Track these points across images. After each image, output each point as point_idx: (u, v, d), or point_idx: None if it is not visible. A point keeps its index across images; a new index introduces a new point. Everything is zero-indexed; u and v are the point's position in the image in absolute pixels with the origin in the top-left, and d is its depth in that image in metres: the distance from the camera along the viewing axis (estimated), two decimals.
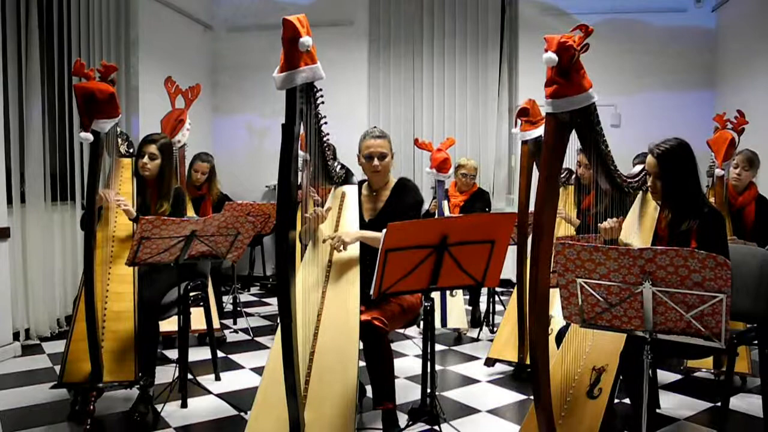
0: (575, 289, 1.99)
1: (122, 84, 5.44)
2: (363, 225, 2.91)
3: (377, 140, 2.91)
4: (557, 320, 3.07)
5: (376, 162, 2.90)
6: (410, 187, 2.99)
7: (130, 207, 3.21)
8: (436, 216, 4.67)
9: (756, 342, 2.79)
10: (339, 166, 2.94)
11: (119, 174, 3.37)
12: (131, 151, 3.43)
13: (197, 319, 3.94)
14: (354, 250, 2.77)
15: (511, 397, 3.36)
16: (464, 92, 6.77)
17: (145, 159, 3.32)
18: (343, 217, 2.90)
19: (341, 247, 2.70)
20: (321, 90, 2.26)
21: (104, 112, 2.83)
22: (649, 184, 2.55)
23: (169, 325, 3.53)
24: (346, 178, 3.00)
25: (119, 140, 3.36)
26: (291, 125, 2.08)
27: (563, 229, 3.98)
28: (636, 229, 2.73)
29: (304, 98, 2.15)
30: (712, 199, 3.78)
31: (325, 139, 2.55)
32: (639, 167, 2.79)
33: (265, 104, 7.02)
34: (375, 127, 3.02)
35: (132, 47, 5.54)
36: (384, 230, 2.17)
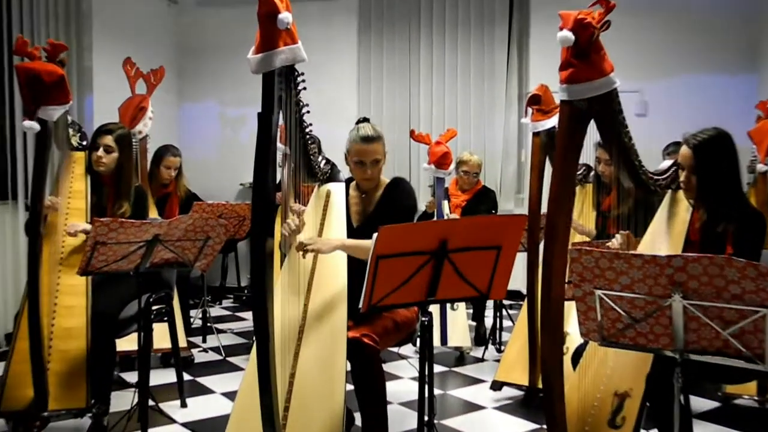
0: (593, 302, 1.99)
1: (73, 65, 5.41)
2: (351, 230, 2.92)
3: (370, 145, 2.87)
4: (573, 337, 3.07)
5: (369, 172, 2.89)
6: (404, 189, 2.98)
7: (85, 226, 3.17)
8: (435, 218, 4.67)
9: None
10: (324, 161, 2.93)
11: (70, 170, 3.35)
12: (84, 143, 3.41)
13: (160, 336, 3.92)
14: (341, 258, 2.77)
15: (521, 425, 3.36)
16: (467, 77, 6.79)
17: (100, 152, 3.30)
18: (329, 220, 2.90)
19: (312, 253, 2.69)
20: (303, 74, 2.25)
21: (52, 97, 2.81)
22: (681, 179, 2.56)
23: (127, 343, 3.51)
24: (332, 174, 3.00)
25: (70, 131, 3.34)
26: (268, 114, 2.08)
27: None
28: (664, 233, 2.74)
29: (284, 83, 2.15)
30: (752, 199, 3.79)
31: (307, 130, 2.55)
32: (668, 162, 2.79)
33: (239, 90, 7.00)
34: (365, 120, 2.97)
35: (84, 22, 5.50)
36: (374, 236, 2.17)
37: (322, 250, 2.70)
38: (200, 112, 7.28)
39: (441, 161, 4.60)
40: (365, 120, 2.98)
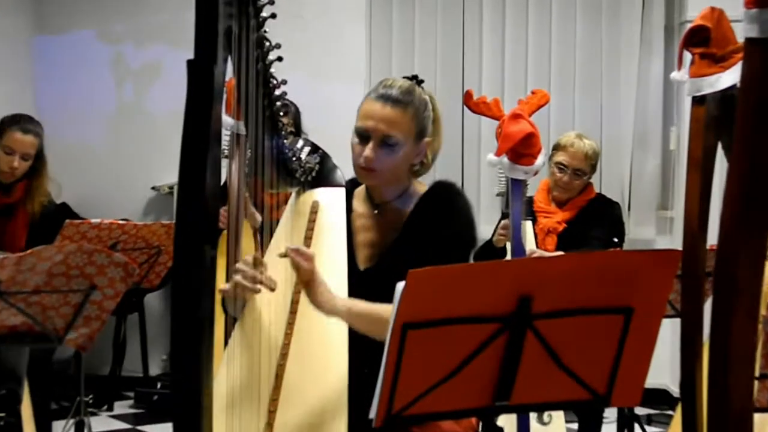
0: None
1: None
2: (354, 275, 2.94)
3: (386, 106, 2.90)
4: None
5: (367, 151, 2.90)
6: (452, 204, 3.02)
7: None
8: (509, 254, 4.70)
9: None
10: (307, 149, 2.96)
11: None
12: None
13: None
14: (335, 327, 2.79)
15: None
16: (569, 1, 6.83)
17: None
18: (316, 255, 2.89)
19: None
20: None
21: None
22: None
23: None
24: (322, 172, 3.04)
25: None
26: (207, 63, 2.09)
27: None
28: None
29: (235, 6, 2.17)
30: None
31: (277, 92, 2.58)
32: None
33: (148, 16, 7.08)
34: (416, 80, 3.02)
35: None
36: (398, 287, 2.17)
37: (321, 297, 2.68)
38: (74, 53, 7.36)
39: (521, 149, 4.59)
40: (414, 78, 3.03)
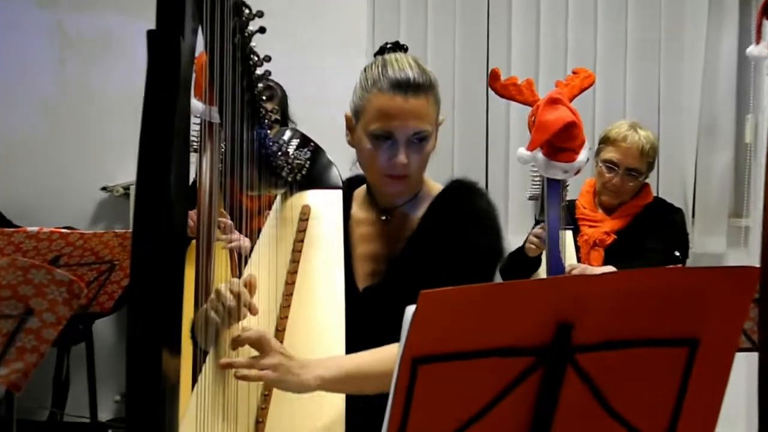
0: None
1: None
2: (352, 297, 2.95)
3: (408, 97, 2.87)
4: None
5: (402, 157, 2.89)
6: (473, 208, 3.03)
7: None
8: (546, 271, 4.75)
9: None
10: (295, 142, 2.96)
11: None
12: None
13: None
14: (328, 353, 2.80)
15: None
16: None
17: None
18: (305, 276, 2.95)
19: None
20: None
21: None
22: None
23: None
24: (314, 169, 3.06)
25: None
26: (171, 34, 2.10)
27: None
28: None
29: None
30: None
31: (258, 71, 2.60)
32: None
33: None
34: (398, 47, 3.02)
35: None
36: (407, 312, 2.18)
37: (289, 386, 2.65)
38: (5, 21, 7.38)
39: (559, 142, 4.59)
40: (398, 47, 3.02)
